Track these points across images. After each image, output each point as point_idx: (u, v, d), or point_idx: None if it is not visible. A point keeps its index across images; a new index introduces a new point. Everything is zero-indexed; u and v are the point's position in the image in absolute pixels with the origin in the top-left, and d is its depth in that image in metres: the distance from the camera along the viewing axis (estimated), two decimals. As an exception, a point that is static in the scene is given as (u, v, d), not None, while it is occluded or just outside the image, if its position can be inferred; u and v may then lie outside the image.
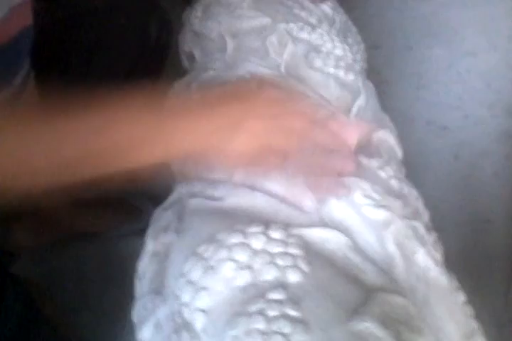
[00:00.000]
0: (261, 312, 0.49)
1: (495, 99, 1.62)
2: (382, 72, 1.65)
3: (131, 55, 1.02)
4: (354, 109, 0.81)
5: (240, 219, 0.59)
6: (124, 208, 1.31)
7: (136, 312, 0.62)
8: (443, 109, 1.60)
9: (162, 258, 0.63)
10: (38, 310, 0.84)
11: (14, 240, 1.23)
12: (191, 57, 1.02)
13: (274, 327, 0.48)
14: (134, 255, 0.71)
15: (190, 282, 0.54)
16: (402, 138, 0.87)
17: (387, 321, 0.50)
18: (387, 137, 0.81)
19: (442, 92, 1.65)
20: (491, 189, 1.39)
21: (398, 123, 0.90)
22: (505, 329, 1.09)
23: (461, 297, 0.63)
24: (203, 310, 0.52)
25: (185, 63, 1.05)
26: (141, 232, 0.72)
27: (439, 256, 0.65)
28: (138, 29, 1.01)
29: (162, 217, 0.70)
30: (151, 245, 0.67)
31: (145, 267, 0.65)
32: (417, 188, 0.74)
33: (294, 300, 0.50)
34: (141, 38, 1.02)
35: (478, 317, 0.64)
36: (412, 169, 0.81)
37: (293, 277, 0.52)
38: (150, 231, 0.70)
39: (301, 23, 0.90)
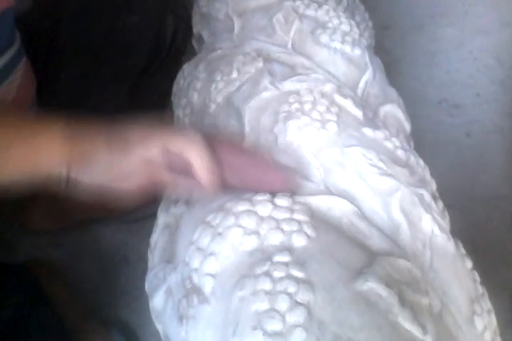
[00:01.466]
0: (267, 274, 0.50)
1: (506, 77, 1.62)
2: (393, 52, 1.65)
3: (145, 53, 1.03)
4: (361, 84, 0.82)
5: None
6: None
7: (149, 282, 0.64)
8: (455, 87, 1.60)
9: (173, 229, 0.65)
10: (36, 299, 0.85)
11: (32, 224, 1.25)
12: (200, 39, 1.04)
13: (280, 287, 0.49)
14: (148, 237, 0.73)
15: (199, 249, 0.56)
16: (415, 116, 0.88)
17: (391, 282, 0.51)
18: (394, 111, 0.82)
19: (454, 70, 1.65)
20: (503, 165, 1.39)
21: (410, 101, 0.91)
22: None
23: (468, 263, 0.64)
24: (211, 275, 0.54)
25: (195, 46, 1.07)
26: (156, 216, 0.73)
27: (445, 224, 0.66)
28: (153, 27, 1.02)
29: (173, 191, 0.71)
30: (162, 218, 0.69)
31: (157, 239, 0.67)
32: (429, 165, 0.75)
33: (299, 263, 0.52)
34: (157, 36, 1.03)
35: (489, 290, 0.65)
36: (425, 146, 0.82)
37: (298, 241, 0.54)
38: (162, 205, 0.71)
39: (307, 1, 0.91)
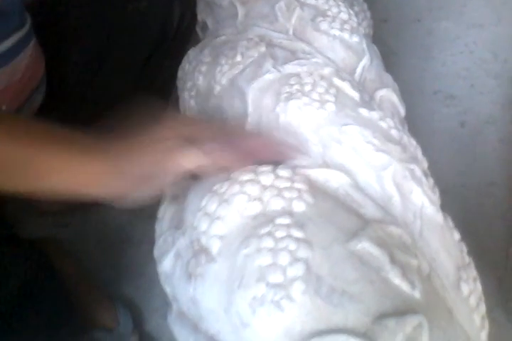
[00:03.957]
0: (269, 234, 0.55)
1: (501, 69, 1.66)
2: (390, 45, 1.69)
3: (151, 40, 1.06)
4: (358, 69, 0.87)
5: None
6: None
7: (157, 248, 0.69)
8: (450, 78, 1.64)
9: (181, 199, 0.69)
10: (45, 271, 0.88)
11: (38, 205, 1.29)
12: (205, 27, 1.08)
13: (281, 245, 0.54)
14: (152, 219, 0.77)
15: (206, 214, 0.61)
16: (411, 106, 0.92)
17: (383, 243, 0.56)
18: (389, 95, 0.86)
19: (450, 63, 1.68)
20: (496, 154, 1.43)
21: (407, 92, 0.95)
22: (504, 284, 1.14)
23: (456, 235, 0.69)
24: (218, 236, 0.59)
25: (200, 33, 1.11)
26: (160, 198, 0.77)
27: (435, 197, 0.70)
28: (159, 14, 1.05)
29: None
30: (170, 190, 0.73)
31: (165, 209, 0.72)
32: (424, 153, 0.79)
33: (298, 224, 0.56)
34: (163, 23, 1.06)
35: (478, 272, 0.69)
36: (420, 136, 0.85)
37: (298, 207, 0.59)
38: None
39: (308, -10, 0.95)
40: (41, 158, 0.59)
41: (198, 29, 1.11)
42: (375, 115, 0.75)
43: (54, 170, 0.59)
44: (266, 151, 0.67)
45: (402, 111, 0.88)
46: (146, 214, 0.80)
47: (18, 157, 0.58)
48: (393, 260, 0.55)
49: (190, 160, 0.62)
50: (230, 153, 0.65)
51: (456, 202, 1.27)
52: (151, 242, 0.73)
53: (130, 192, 0.63)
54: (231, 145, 0.65)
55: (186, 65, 0.96)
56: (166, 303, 0.69)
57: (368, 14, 1.12)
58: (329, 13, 0.92)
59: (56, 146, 0.60)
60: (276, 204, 0.59)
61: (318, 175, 0.64)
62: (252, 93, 0.78)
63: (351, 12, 0.95)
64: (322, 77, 0.78)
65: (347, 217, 0.59)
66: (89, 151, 0.61)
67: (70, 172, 0.60)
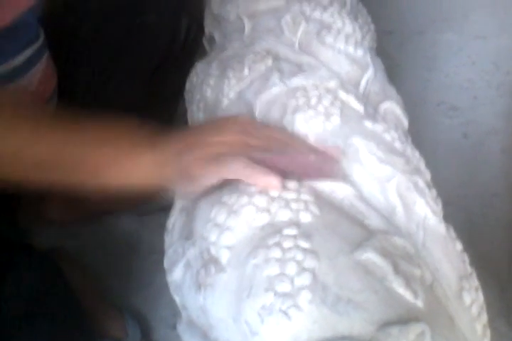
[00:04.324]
0: (277, 244, 0.57)
1: (503, 81, 1.68)
2: (394, 57, 1.71)
3: (159, 52, 1.08)
4: (363, 82, 0.88)
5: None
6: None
7: (167, 259, 0.70)
8: (453, 90, 1.66)
9: (190, 211, 0.71)
10: (57, 280, 0.90)
11: (48, 214, 1.31)
12: (212, 40, 1.10)
13: (289, 255, 0.56)
14: (159, 229, 0.79)
15: (216, 225, 0.62)
16: (414, 117, 0.93)
17: (387, 254, 0.57)
18: (393, 107, 0.88)
19: (452, 74, 1.71)
20: (499, 164, 1.45)
21: (410, 103, 0.97)
22: (506, 294, 1.16)
23: (459, 245, 0.70)
24: (227, 247, 0.60)
25: (206, 46, 1.13)
26: (166, 209, 0.80)
27: (438, 209, 0.72)
28: (167, 27, 1.07)
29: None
30: (179, 202, 0.75)
31: (175, 220, 0.73)
32: (427, 164, 0.80)
33: (305, 235, 0.58)
34: (171, 36, 1.08)
35: (481, 282, 0.71)
36: (424, 147, 0.87)
37: (305, 218, 0.60)
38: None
39: (313, 4, 0.97)
40: (92, 155, 0.63)
41: (205, 42, 1.13)
42: (379, 127, 0.76)
43: (105, 165, 0.64)
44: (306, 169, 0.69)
45: (406, 123, 0.89)
46: (154, 224, 0.81)
47: (71, 154, 0.63)
48: (397, 270, 0.56)
49: (232, 170, 0.64)
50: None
51: (460, 213, 1.29)
52: (159, 252, 0.75)
53: (173, 184, 0.68)
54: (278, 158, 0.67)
55: (194, 78, 0.98)
56: (173, 313, 0.71)
57: (372, 27, 1.14)
58: (334, 26, 0.94)
59: (105, 142, 0.65)
60: (284, 215, 0.60)
61: (324, 186, 0.66)
62: (259, 106, 0.80)
63: (356, 25, 0.96)
64: (328, 90, 0.80)
65: (352, 228, 0.61)
66: (137, 144, 0.66)
67: (119, 166, 0.65)
